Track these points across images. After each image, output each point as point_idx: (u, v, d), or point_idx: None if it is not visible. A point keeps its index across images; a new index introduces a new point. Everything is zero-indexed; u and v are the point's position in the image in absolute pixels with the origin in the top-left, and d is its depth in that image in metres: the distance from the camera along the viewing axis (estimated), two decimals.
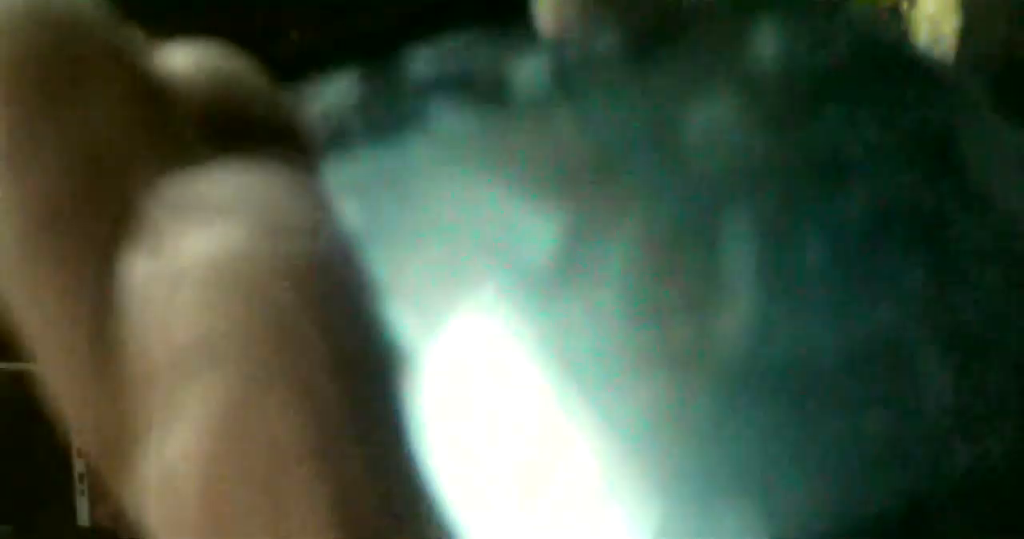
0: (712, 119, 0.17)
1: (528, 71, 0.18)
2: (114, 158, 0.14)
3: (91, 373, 0.14)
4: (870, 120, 0.17)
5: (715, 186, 0.16)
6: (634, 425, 0.14)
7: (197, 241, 0.13)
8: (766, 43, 0.17)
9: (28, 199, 0.14)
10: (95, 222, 0.14)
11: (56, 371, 0.14)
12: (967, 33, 1.05)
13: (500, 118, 0.17)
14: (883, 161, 0.16)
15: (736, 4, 0.19)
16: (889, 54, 0.18)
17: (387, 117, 0.17)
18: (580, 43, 0.18)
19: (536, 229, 0.16)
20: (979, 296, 0.15)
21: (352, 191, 0.16)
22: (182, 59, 0.16)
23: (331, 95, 0.18)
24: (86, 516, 2.42)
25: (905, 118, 0.17)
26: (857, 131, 0.17)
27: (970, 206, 0.16)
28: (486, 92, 0.18)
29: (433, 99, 0.18)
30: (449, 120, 0.17)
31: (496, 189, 0.16)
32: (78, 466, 2.45)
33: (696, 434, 0.14)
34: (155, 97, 0.15)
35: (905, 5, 1.20)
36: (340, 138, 0.17)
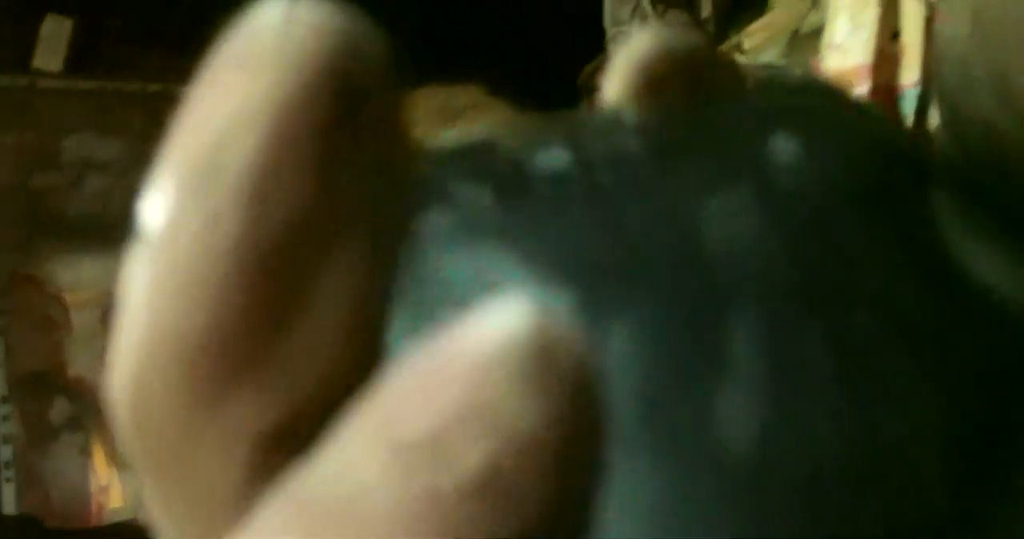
0: (726, 220, 0.17)
1: (554, 159, 0.18)
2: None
3: None
4: (879, 235, 0.17)
5: (724, 286, 0.16)
6: (631, 513, 0.15)
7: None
8: (784, 152, 0.18)
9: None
10: (285, 272, 0.13)
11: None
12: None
13: (523, 201, 0.17)
14: (889, 274, 0.16)
15: (759, 115, 0.19)
16: (904, 171, 0.18)
17: (415, 192, 0.17)
18: (608, 133, 0.18)
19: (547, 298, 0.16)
20: (980, 410, 0.15)
21: None
22: None
23: None
24: (12, 505, 2.40)
25: (914, 233, 0.17)
26: (865, 244, 0.17)
27: (972, 321, 0.16)
28: (511, 176, 0.18)
29: (460, 178, 0.18)
30: (474, 200, 0.17)
31: (513, 269, 0.16)
32: (4, 453, 2.42)
33: (691, 527, 0.15)
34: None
35: None
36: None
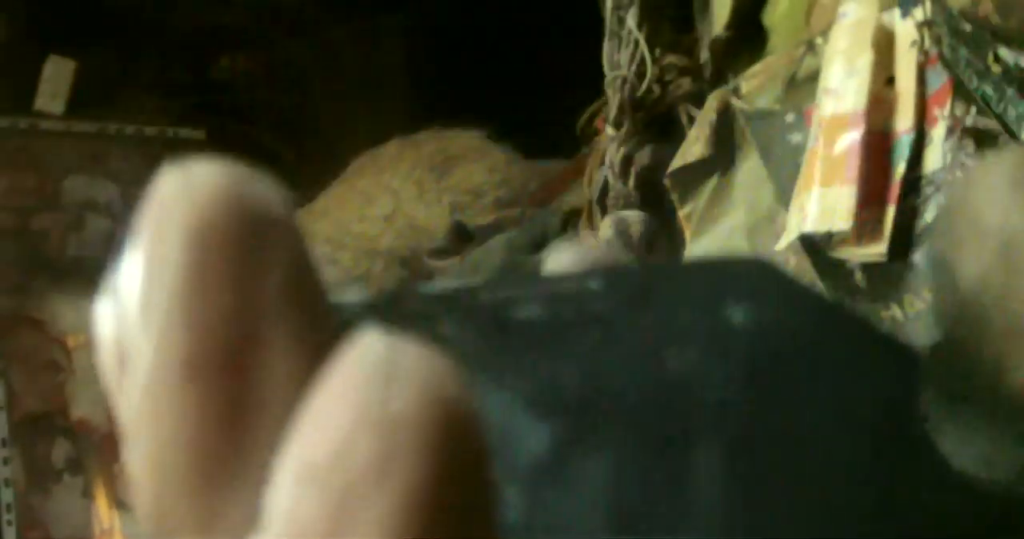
0: (687, 365, 0.19)
1: (527, 311, 0.20)
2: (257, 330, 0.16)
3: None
4: (831, 393, 0.19)
5: (687, 420, 0.18)
6: None
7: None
8: (738, 308, 0.20)
9: (176, 347, 0.16)
10: (225, 374, 0.16)
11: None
12: None
13: (504, 343, 0.19)
14: (840, 434, 0.18)
15: (713, 275, 0.21)
16: (855, 331, 0.20)
17: (399, 325, 0.18)
18: (577, 295, 0.20)
19: (529, 437, 0.18)
20: None
21: None
22: None
23: (348, 302, 0.19)
24: None
25: (867, 392, 0.19)
26: (817, 402, 0.18)
27: (930, 482, 0.18)
28: (493, 320, 0.19)
29: (445, 318, 0.19)
30: (459, 337, 0.19)
31: (497, 399, 0.18)
32: (5, 496, 2.42)
33: None
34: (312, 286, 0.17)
35: (820, 40, 1.24)
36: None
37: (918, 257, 1.09)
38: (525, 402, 0.18)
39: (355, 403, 0.15)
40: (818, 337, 0.20)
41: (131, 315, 0.17)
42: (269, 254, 0.17)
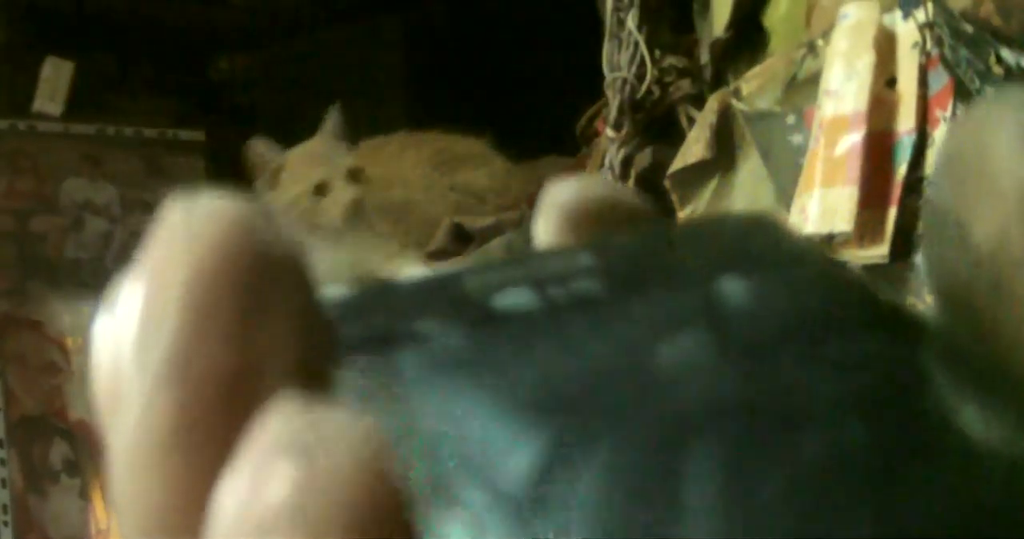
0: (681, 354, 0.18)
1: (517, 299, 0.19)
2: (254, 380, 0.16)
3: None
4: (832, 367, 0.18)
5: (681, 418, 0.17)
6: None
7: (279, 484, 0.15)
8: (735, 289, 0.19)
9: (169, 404, 0.16)
10: (211, 442, 0.15)
11: None
12: None
13: (490, 340, 0.18)
14: (841, 409, 0.17)
15: (708, 256, 0.20)
16: (857, 306, 0.19)
17: (382, 330, 0.18)
18: (567, 275, 0.19)
19: (514, 451, 0.16)
20: None
21: (345, 400, 0.17)
22: None
23: (330, 299, 0.18)
24: None
25: (868, 368, 0.18)
26: (819, 377, 0.17)
27: (928, 456, 0.16)
28: (477, 314, 0.19)
29: (427, 316, 0.18)
30: (441, 338, 0.18)
31: (481, 404, 0.17)
32: (2, 497, 2.41)
33: None
34: (313, 331, 0.16)
35: (820, 42, 1.24)
36: (339, 348, 0.17)
37: (919, 259, 1.09)
38: (511, 405, 0.17)
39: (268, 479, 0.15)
40: (819, 308, 0.19)
41: (127, 354, 0.16)
42: (274, 307, 0.16)
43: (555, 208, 0.22)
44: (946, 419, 0.17)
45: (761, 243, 0.20)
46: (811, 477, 0.16)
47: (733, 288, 0.19)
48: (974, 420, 0.17)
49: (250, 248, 0.16)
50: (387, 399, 0.17)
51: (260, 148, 2.06)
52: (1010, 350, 0.20)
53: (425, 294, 0.19)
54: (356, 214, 1.99)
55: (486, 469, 0.16)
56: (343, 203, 1.98)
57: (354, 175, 2.03)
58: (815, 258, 0.20)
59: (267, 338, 0.16)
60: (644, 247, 0.21)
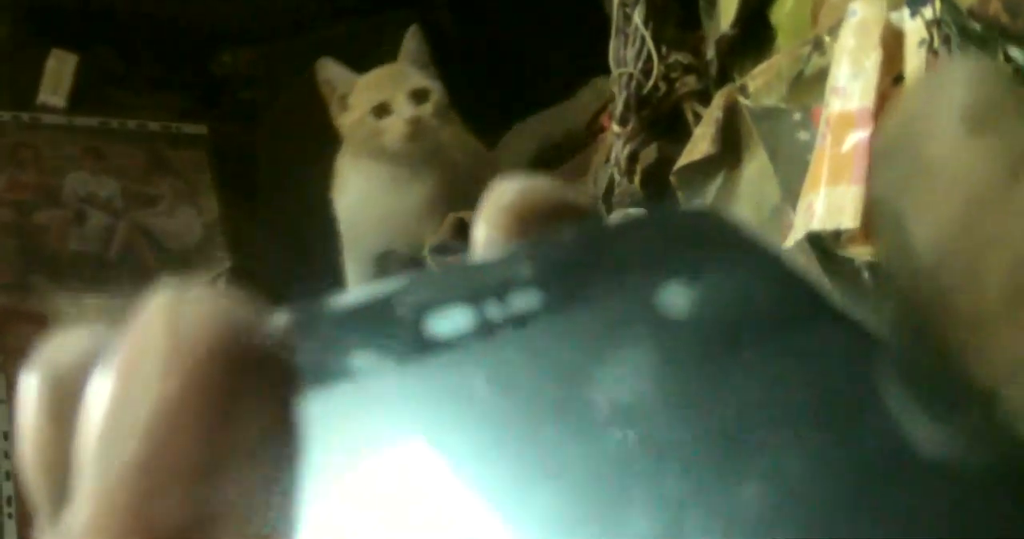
0: (621, 380, 0.17)
1: (453, 320, 0.18)
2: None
3: None
4: (778, 384, 0.17)
5: (619, 464, 0.16)
6: None
7: None
8: (677, 296, 0.18)
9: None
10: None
11: None
12: None
13: (422, 367, 0.18)
14: (787, 434, 0.16)
15: (651, 258, 0.19)
16: (804, 312, 0.18)
17: (313, 363, 0.18)
18: (505, 287, 0.19)
19: (447, 485, 0.16)
20: None
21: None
22: None
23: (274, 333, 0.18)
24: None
25: (814, 385, 0.17)
26: (765, 398, 0.17)
27: (879, 480, 0.16)
28: (410, 340, 0.18)
29: (358, 345, 0.18)
30: (372, 368, 0.18)
31: (412, 436, 0.17)
32: (6, 489, 2.42)
33: None
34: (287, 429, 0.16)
35: (827, 39, 1.24)
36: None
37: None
38: (446, 436, 0.17)
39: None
40: (764, 314, 0.18)
41: (92, 439, 0.16)
42: (246, 414, 0.16)
43: (499, 210, 0.22)
44: (896, 437, 0.16)
45: (704, 241, 0.20)
46: (755, 523, 0.15)
47: (675, 295, 0.18)
48: (925, 437, 0.16)
49: (229, 351, 0.16)
50: (319, 436, 0.17)
51: (328, 72, 1.89)
52: (956, 364, 0.18)
53: (357, 320, 0.19)
54: (417, 135, 1.81)
55: (419, 506, 0.16)
56: (402, 122, 1.81)
57: (418, 96, 1.84)
58: (759, 256, 0.19)
59: (235, 441, 0.16)
60: (586, 250, 0.20)
